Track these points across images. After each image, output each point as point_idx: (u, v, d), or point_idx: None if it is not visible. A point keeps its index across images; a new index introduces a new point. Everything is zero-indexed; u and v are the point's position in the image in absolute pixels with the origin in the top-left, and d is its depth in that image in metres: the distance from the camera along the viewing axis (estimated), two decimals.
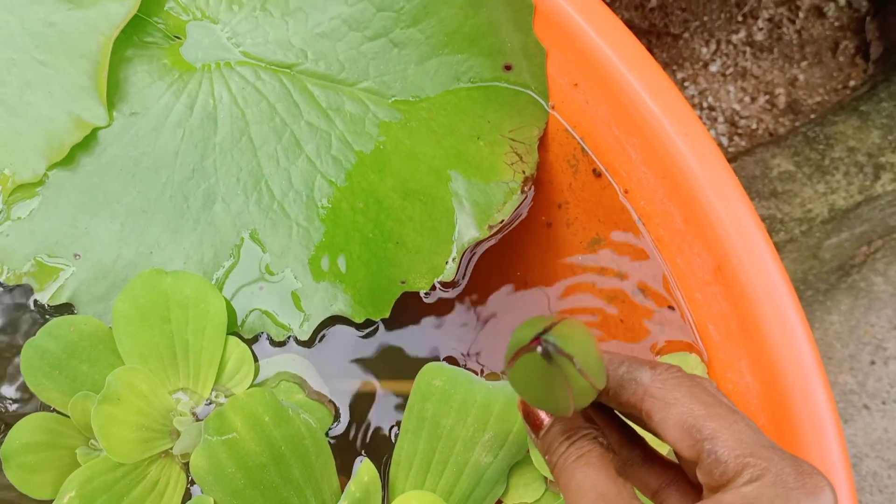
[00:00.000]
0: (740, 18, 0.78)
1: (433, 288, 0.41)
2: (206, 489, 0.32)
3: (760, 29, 0.77)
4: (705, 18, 0.77)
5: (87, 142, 0.40)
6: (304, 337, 0.39)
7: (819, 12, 0.78)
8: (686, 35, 0.77)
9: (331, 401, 0.38)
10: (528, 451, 0.36)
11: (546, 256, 0.44)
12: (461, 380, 0.35)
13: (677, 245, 0.41)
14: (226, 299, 0.38)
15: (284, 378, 0.37)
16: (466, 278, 0.42)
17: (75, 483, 0.32)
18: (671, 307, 0.42)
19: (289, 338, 0.39)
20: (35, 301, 0.39)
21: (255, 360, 0.37)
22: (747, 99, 0.76)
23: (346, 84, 0.42)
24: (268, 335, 0.39)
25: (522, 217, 0.44)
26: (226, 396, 0.36)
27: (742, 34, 0.77)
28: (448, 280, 0.40)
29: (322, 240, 0.40)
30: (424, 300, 0.41)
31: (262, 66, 0.42)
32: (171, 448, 0.35)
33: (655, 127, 0.39)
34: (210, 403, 0.36)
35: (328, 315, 0.39)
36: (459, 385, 0.35)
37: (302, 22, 0.43)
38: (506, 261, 0.44)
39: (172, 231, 0.40)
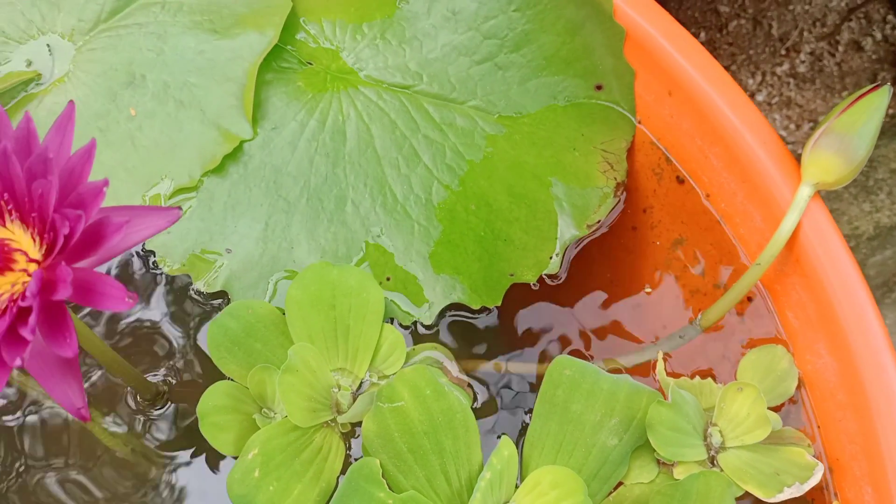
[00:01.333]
0: (783, 52, 0.83)
1: (539, 280, 0.45)
2: (373, 451, 0.37)
3: (803, 62, 0.83)
4: (751, 52, 0.83)
5: (235, 153, 0.46)
6: (428, 322, 0.44)
7: (857, 46, 0.83)
8: (733, 67, 0.82)
9: (469, 384, 0.42)
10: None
11: (632, 257, 0.49)
12: (589, 371, 0.39)
13: (757, 242, 0.46)
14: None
15: (429, 363, 0.41)
16: (565, 277, 0.47)
17: (258, 442, 0.37)
18: (750, 298, 0.47)
19: (415, 323, 0.44)
20: (194, 289, 0.44)
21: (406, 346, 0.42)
22: (792, 126, 0.81)
23: (457, 102, 0.48)
24: (397, 321, 0.44)
25: (611, 222, 0.49)
26: (379, 378, 0.40)
27: (786, 66, 0.83)
28: (553, 273, 0.45)
29: (440, 237, 0.45)
30: (532, 289, 0.46)
31: (383, 87, 0.48)
32: (333, 419, 0.39)
33: (736, 136, 0.45)
34: (364, 382, 0.41)
35: (448, 303, 0.44)
36: (587, 375, 0.39)
37: (417, 49, 0.49)
38: (597, 263, 0.49)
39: (309, 230, 0.45)
